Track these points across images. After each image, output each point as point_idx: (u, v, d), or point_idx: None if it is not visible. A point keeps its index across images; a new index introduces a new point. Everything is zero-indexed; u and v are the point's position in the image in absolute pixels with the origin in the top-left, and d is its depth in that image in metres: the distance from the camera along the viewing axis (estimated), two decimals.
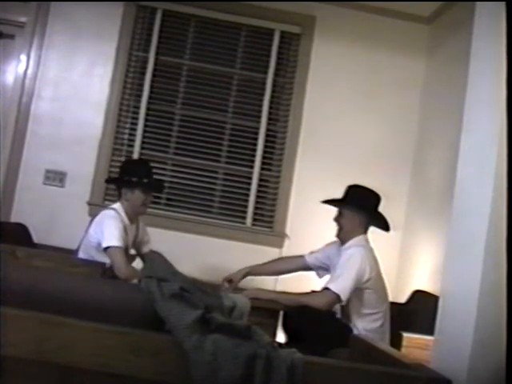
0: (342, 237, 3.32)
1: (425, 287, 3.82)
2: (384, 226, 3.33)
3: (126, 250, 3.39)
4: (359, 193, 3.33)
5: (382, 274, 3.26)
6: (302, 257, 3.55)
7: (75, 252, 3.47)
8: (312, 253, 3.53)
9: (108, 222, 3.33)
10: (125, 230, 3.38)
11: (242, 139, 4.69)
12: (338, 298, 3.07)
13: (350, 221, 3.29)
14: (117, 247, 3.25)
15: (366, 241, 3.30)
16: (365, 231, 3.31)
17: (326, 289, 3.11)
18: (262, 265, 3.63)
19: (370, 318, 3.16)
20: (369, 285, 3.14)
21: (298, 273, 3.60)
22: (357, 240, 3.26)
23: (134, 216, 3.51)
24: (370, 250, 3.26)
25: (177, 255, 3.75)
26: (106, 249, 3.26)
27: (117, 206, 3.46)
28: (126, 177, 3.48)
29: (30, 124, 4.53)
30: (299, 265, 3.56)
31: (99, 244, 3.30)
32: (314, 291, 3.46)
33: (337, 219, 3.35)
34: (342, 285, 3.07)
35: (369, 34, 4.66)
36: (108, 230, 3.29)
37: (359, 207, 3.28)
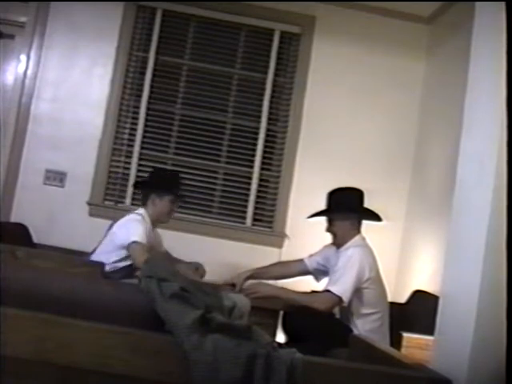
0: (339, 243, 3.31)
1: (425, 287, 3.82)
2: (375, 217, 3.32)
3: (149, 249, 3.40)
4: (341, 196, 3.31)
5: (380, 274, 3.26)
6: (301, 261, 3.54)
7: (90, 255, 3.45)
8: (311, 256, 3.52)
9: (133, 223, 3.38)
10: (148, 234, 3.39)
11: (241, 139, 4.69)
12: (339, 300, 3.06)
13: (341, 227, 3.28)
14: (139, 243, 3.26)
15: (364, 240, 3.29)
16: (359, 231, 3.31)
17: (327, 291, 3.10)
18: (263, 268, 3.61)
19: (370, 318, 3.15)
20: (368, 284, 3.14)
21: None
22: (354, 241, 3.25)
23: (156, 223, 3.55)
24: (369, 250, 3.26)
25: (177, 255, 3.78)
26: (129, 245, 3.27)
27: (142, 211, 3.49)
28: (159, 183, 3.52)
29: (30, 124, 4.53)
30: (299, 269, 3.54)
31: (123, 245, 3.31)
32: (314, 291, 3.46)
33: (328, 229, 3.34)
34: (343, 287, 3.06)
35: (369, 33, 4.66)
36: (133, 228, 3.33)
37: (345, 211, 3.28)
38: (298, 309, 3.13)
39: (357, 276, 3.09)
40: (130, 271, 3.32)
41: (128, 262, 3.33)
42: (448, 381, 1.71)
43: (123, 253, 3.33)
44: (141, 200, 3.59)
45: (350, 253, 3.16)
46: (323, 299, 3.08)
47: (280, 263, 3.79)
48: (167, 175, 3.73)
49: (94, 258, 3.39)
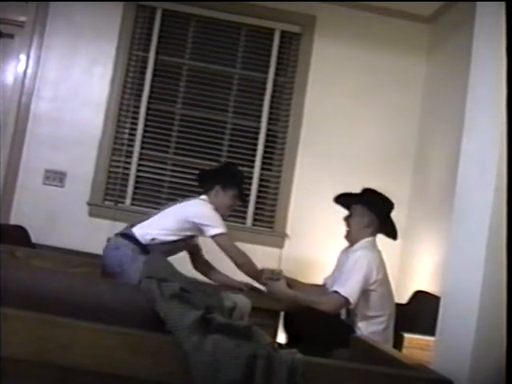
0: (350, 238, 3.30)
1: (426, 288, 3.81)
2: (392, 233, 3.32)
3: None
4: (373, 195, 3.30)
5: (388, 278, 3.23)
6: (324, 285, 3.45)
7: (130, 227, 3.36)
8: (328, 277, 3.47)
9: (208, 209, 3.37)
10: None
11: (242, 139, 4.69)
12: (346, 301, 3.05)
13: (359, 221, 3.27)
14: (225, 234, 3.31)
15: (374, 244, 3.27)
16: (373, 234, 3.29)
17: (334, 292, 3.08)
18: (300, 282, 3.54)
19: (375, 321, 3.14)
20: (375, 287, 3.12)
21: (299, 266, 3.56)
22: (364, 242, 3.23)
23: None
24: (378, 253, 3.23)
25: (177, 255, 3.77)
26: (215, 236, 3.29)
27: (205, 197, 3.48)
28: (228, 176, 3.52)
29: (30, 124, 4.53)
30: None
31: (200, 224, 3.30)
32: (313, 285, 3.45)
33: (346, 218, 3.33)
34: (350, 288, 3.05)
35: (369, 33, 4.66)
36: (212, 217, 3.33)
37: (370, 207, 3.26)
38: (300, 309, 3.12)
39: (364, 278, 3.07)
40: (174, 247, 3.33)
41: (175, 238, 3.32)
42: (449, 381, 1.70)
43: (186, 228, 3.33)
44: (203, 189, 3.54)
45: (358, 255, 3.15)
46: (330, 300, 3.08)
47: (314, 286, 3.61)
48: (236, 171, 3.71)
49: (142, 227, 3.33)
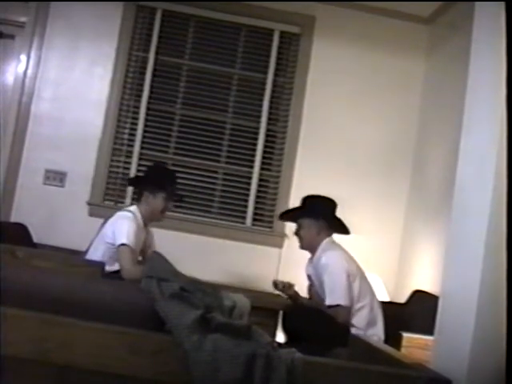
0: (306, 247, 3.38)
1: (424, 287, 3.82)
2: (343, 230, 3.37)
3: (138, 252, 3.36)
4: (313, 202, 3.36)
5: (361, 268, 3.30)
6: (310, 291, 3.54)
7: (85, 253, 3.42)
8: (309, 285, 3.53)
9: (122, 221, 3.30)
10: (138, 233, 3.32)
11: (241, 139, 4.69)
12: (346, 308, 3.11)
13: (308, 231, 3.34)
14: (126, 245, 3.20)
15: (332, 242, 3.35)
16: (327, 236, 3.35)
17: (331, 306, 3.13)
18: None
19: (362, 313, 3.21)
20: (352, 278, 3.21)
21: (298, 266, 3.59)
22: (323, 246, 3.31)
23: (149, 221, 3.48)
24: (339, 248, 3.32)
25: (177, 255, 3.77)
26: (118, 247, 3.22)
27: (133, 208, 3.42)
28: (153, 180, 3.44)
29: (30, 124, 4.53)
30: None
31: (113, 244, 3.26)
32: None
33: (297, 232, 3.39)
34: (338, 293, 3.13)
35: (368, 33, 4.66)
36: (121, 228, 3.25)
37: (315, 216, 3.32)
38: (298, 308, 3.14)
39: (346, 275, 3.16)
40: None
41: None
42: (448, 381, 1.71)
43: (114, 252, 3.27)
44: (136, 197, 3.52)
45: (325, 260, 3.23)
46: (337, 315, 3.12)
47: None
48: (162, 172, 3.65)
49: (91, 256, 3.33)
